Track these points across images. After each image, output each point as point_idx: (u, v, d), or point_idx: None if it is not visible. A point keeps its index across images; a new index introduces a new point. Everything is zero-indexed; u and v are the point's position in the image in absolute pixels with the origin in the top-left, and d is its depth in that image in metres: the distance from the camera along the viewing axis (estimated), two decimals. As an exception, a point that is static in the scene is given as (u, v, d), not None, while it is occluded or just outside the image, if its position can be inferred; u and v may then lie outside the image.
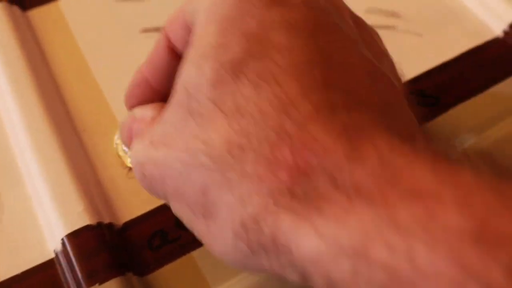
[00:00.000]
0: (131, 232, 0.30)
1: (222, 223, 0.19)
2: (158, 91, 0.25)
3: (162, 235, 0.30)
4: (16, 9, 0.39)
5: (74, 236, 0.28)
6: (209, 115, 0.19)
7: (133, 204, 0.31)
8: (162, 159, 0.20)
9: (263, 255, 0.18)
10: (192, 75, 0.20)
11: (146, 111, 0.24)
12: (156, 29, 0.39)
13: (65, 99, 0.35)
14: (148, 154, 0.21)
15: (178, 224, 0.30)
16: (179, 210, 0.21)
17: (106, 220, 0.30)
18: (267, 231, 0.17)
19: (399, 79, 0.25)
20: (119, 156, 0.32)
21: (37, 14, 0.40)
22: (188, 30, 0.23)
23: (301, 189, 0.17)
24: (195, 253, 0.29)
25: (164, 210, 0.30)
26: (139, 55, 0.37)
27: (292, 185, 0.17)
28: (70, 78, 0.37)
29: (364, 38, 0.23)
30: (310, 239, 0.16)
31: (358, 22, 0.24)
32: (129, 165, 0.31)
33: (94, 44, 0.38)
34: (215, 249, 0.20)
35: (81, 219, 0.29)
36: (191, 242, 0.29)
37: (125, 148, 0.31)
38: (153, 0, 0.41)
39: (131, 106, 0.26)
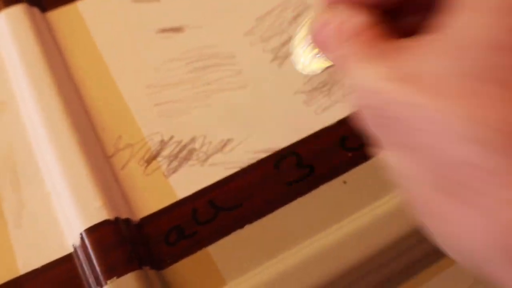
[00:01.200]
0: (148, 227, 0.30)
1: (482, 215, 0.15)
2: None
3: (178, 231, 0.30)
4: (36, 11, 0.40)
5: (93, 231, 0.29)
6: None
7: (149, 201, 0.31)
8: (423, 107, 0.16)
9: None
10: None
11: (357, 15, 0.19)
12: (172, 29, 0.40)
13: (84, 98, 0.36)
14: (397, 90, 0.16)
15: (195, 219, 0.30)
16: (406, 169, 0.17)
17: (124, 216, 0.30)
18: None
19: None
20: (297, 54, 0.25)
21: (56, 15, 0.41)
22: None
23: None
24: (211, 248, 0.29)
25: (180, 206, 0.31)
26: (155, 55, 0.38)
27: None
28: (88, 78, 0.37)
29: None
30: None
31: None
32: (303, 66, 0.25)
33: (112, 44, 0.39)
34: (450, 235, 0.16)
35: (99, 214, 0.29)
36: (206, 238, 0.30)
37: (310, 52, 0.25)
38: (169, 1, 0.41)
39: (331, 2, 0.21)
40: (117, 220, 0.29)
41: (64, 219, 0.31)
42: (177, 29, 0.40)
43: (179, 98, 0.36)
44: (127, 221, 0.30)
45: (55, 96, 0.34)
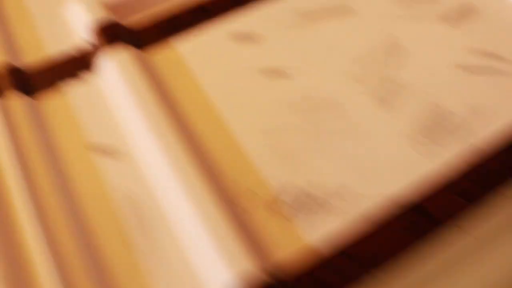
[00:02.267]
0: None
1: None
2: None
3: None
4: (138, 52, 0.41)
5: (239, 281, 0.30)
6: None
7: (276, 246, 0.33)
8: None
9: None
10: None
11: None
12: (274, 71, 0.41)
13: (199, 145, 0.37)
14: None
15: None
16: None
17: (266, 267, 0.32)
18: None
19: None
20: None
21: (155, 56, 0.41)
22: None
23: None
24: None
25: (327, 263, 0.33)
26: (262, 99, 0.39)
27: None
28: (199, 122, 0.38)
29: None
30: None
31: None
32: None
33: (217, 86, 0.40)
34: None
35: (245, 263, 0.31)
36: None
37: None
38: (269, 43, 0.42)
39: None
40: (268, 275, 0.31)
41: (203, 267, 0.32)
42: (278, 71, 0.41)
43: (295, 145, 0.37)
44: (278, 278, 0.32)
45: (180, 146, 0.35)
